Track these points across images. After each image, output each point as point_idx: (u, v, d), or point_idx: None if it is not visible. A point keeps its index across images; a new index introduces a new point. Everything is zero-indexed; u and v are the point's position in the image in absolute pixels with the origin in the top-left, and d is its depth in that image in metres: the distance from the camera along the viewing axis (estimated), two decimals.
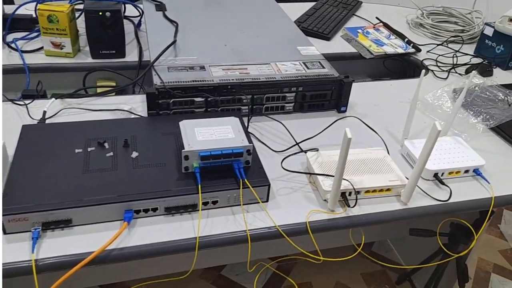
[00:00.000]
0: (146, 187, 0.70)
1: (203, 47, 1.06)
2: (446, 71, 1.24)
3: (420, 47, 1.34)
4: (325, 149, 0.87)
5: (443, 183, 0.82)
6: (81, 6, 1.20)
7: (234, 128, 0.77)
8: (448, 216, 1.11)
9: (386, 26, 1.47)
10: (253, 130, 0.93)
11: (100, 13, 1.06)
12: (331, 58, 1.24)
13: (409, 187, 0.75)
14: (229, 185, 0.72)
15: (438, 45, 1.39)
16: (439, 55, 1.32)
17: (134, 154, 0.76)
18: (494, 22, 1.29)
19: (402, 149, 0.90)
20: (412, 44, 1.35)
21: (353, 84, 0.99)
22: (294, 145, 0.89)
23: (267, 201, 0.75)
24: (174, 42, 1.05)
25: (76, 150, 0.76)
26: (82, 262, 0.62)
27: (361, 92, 1.10)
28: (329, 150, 0.84)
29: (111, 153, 0.76)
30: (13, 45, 1.15)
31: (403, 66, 1.37)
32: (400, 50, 1.32)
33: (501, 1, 1.49)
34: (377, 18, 1.53)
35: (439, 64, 1.27)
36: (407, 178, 0.77)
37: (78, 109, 0.94)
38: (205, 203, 0.72)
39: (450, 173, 0.83)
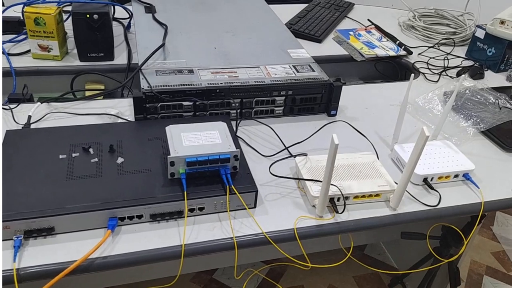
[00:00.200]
0: (131, 193, 0.68)
1: (192, 50, 1.05)
2: (437, 74, 1.24)
3: (411, 49, 1.34)
4: (315, 153, 0.87)
5: (432, 188, 0.81)
6: (69, 8, 1.19)
7: (221, 133, 0.76)
8: (438, 221, 1.11)
9: (378, 28, 1.47)
10: (242, 134, 0.92)
11: (88, 16, 1.05)
12: (322, 60, 1.24)
13: (398, 192, 0.74)
14: (216, 191, 0.71)
15: (429, 47, 1.38)
16: (431, 58, 1.31)
17: (120, 160, 0.75)
18: (486, 25, 1.29)
19: (392, 153, 0.89)
20: (403, 47, 1.34)
21: (344, 87, 0.98)
22: (283, 150, 0.88)
23: (254, 207, 0.74)
24: (162, 45, 1.04)
25: (60, 156, 0.74)
26: (64, 272, 0.60)
27: (352, 95, 1.10)
28: (318, 154, 0.84)
29: (96, 159, 0.74)
30: None
31: (395, 69, 1.37)
32: (392, 53, 1.31)
33: (493, 3, 1.49)
34: (369, 20, 1.53)
35: (430, 67, 1.27)
36: (397, 183, 0.76)
37: (65, 113, 0.93)
38: (191, 210, 0.71)
39: (439, 177, 0.83)
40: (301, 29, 1.38)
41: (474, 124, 1.00)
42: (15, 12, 1.25)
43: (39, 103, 0.93)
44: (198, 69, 0.97)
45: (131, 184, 0.70)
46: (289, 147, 0.89)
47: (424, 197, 0.80)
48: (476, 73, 1.23)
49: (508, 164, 0.91)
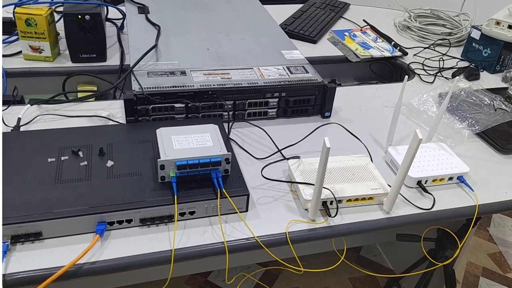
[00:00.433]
0: (120, 197, 0.67)
1: (185, 51, 1.04)
2: (433, 75, 1.23)
3: (407, 50, 1.33)
4: (308, 155, 0.86)
5: (426, 191, 0.80)
6: (61, 9, 1.18)
7: (212, 136, 0.75)
8: (432, 224, 1.10)
9: (373, 29, 1.46)
10: (235, 136, 0.91)
11: (80, 16, 1.04)
12: (317, 61, 1.23)
13: (391, 195, 0.74)
14: (206, 195, 0.70)
15: (425, 48, 1.37)
16: (426, 59, 1.31)
17: (109, 163, 0.74)
18: (481, 25, 1.28)
19: (386, 155, 0.88)
20: (398, 48, 1.34)
21: (339, 88, 0.98)
22: (276, 152, 0.87)
23: (246, 210, 0.73)
24: (155, 46, 1.03)
25: (49, 159, 0.73)
26: (51, 278, 0.59)
27: (346, 97, 1.09)
28: (311, 157, 0.83)
29: (85, 162, 0.73)
30: None
31: (390, 70, 1.36)
32: (387, 54, 1.31)
33: (489, 4, 1.49)
34: (364, 20, 1.52)
35: (425, 68, 1.26)
36: (390, 186, 0.75)
37: (55, 115, 0.91)
38: (181, 214, 0.70)
39: (433, 180, 0.82)
40: (296, 30, 1.37)
41: (469, 126, 0.99)
42: (7, 12, 1.24)
43: (29, 105, 0.92)
44: (190, 71, 0.96)
45: (121, 187, 0.69)
46: (282, 149, 0.88)
47: (418, 200, 0.79)
48: (472, 74, 1.22)
49: (503, 167, 0.90)
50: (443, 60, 1.30)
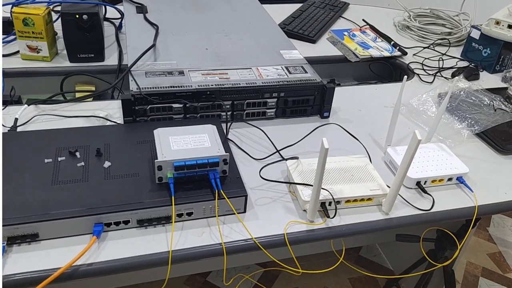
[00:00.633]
0: (118, 198, 0.67)
1: (183, 51, 1.04)
2: (432, 74, 1.22)
3: (406, 50, 1.33)
4: (307, 156, 0.85)
5: (425, 192, 0.80)
6: (59, 8, 1.17)
7: (210, 137, 0.75)
8: (431, 225, 1.10)
9: (373, 28, 1.46)
10: (233, 136, 0.90)
11: (77, 16, 1.04)
12: (316, 61, 1.23)
13: (390, 196, 0.73)
14: (204, 196, 0.70)
15: (424, 48, 1.37)
16: (425, 58, 1.30)
17: (107, 164, 0.73)
18: (481, 25, 1.27)
19: (385, 156, 0.88)
20: (398, 47, 1.33)
21: (338, 88, 0.97)
22: (275, 153, 0.87)
23: (244, 211, 0.73)
24: (153, 46, 1.02)
25: (46, 160, 0.73)
26: (48, 279, 0.59)
27: (346, 97, 1.08)
28: (310, 158, 0.82)
29: (82, 163, 0.73)
30: None
31: (389, 70, 1.35)
32: (386, 53, 1.30)
33: (488, 4, 1.48)
34: (363, 20, 1.52)
35: (425, 68, 1.26)
36: (389, 187, 0.75)
37: (52, 115, 0.91)
38: (179, 215, 0.69)
39: (433, 181, 0.81)
40: (295, 30, 1.37)
41: (468, 126, 0.98)
42: (4, 12, 1.23)
43: (26, 105, 0.91)
44: (188, 71, 0.95)
45: (118, 188, 0.69)
46: (280, 150, 0.87)
47: (417, 201, 0.79)
48: (471, 74, 1.22)
49: (502, 167, 0.90)
50: (442, 60, 1.30)
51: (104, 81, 1.08)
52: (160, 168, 0.69)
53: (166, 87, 0.88)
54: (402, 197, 0.79)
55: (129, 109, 0.86)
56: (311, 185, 0.72)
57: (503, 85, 1.22)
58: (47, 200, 0.65)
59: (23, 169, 0.71)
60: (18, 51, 1.11)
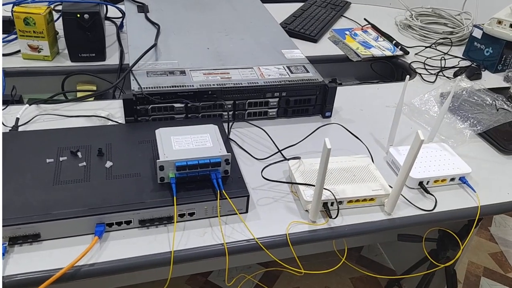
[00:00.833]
0: (119, 199, 0.67)
1: (185, 51, 1.03)
2: (434, 74, 1.22)
3: (408, 49, 1.32)
4: (309, 156, 0.85)
5: (428, 192, 0.80)
6: (60, 8, 1.17)
7: (212, 136, 0.75)
8: (434, 225, 1.09)
9: (374, 27, 1.45)
10: (235, 136, 0.90)
11: (78, 15, 1.03)
12: (318, 60, 1.22)
13: (393, 196, 0.73)
14: (206, 196, 0.69)
15: (426, 47, 1.37)
16: (427, 58, 1.30)
17: (108, 164, 0.73)
18: (483, 24, 1.27)
19: (387, 156, 0.88)
20: (400, 47, 1.33)
21: (339, 88, 0.97)
22: (277, 153, 0.86)
23: (246, 212, 0.73)
24: (154, 46, 1.02)
25: (47, 160, 0.73)
26: (50, 280, 0.59)
27: (347, 96, 1.08)
28: (312, 157, 0.82)
29: (84, 163, 0.73)
30: None
31: (391, 69, 1.35)
32: (388, 53, 1.30)
33: (490, 3, 1.48)
34: (365, 19, 1.51)
35: (427, 67, 1.25)
36: (391, 187, 0.75)
37: (54, 115, 0.91)
38: (181, 215, 0.69)
39: (435, 181, 0.81)
40: (297, 29, 1.36)
41: (471, 126, 0.98)
42: (5, 11, 1.23)
43: (27, 105, 0.91)
44: (190, 70, 0.95)
45: (120, 189, 0.69)
46: (282, 150, 0.87)
47: (419, 201, 0.78)
48: (474, 74, 1.21)
49: (505, 167, 0.89)
50: (444, 59, 1.29)
51: (106, 81, 1.08)
52: (162, 168, 0.68)
53: (167, 87, 0.88)
54: (405, 197, 0.78)
55: (130, 108, 0.85)
56: (313, 185, 0.72)
57: (505, 84, 1.21)
58: (48, 200, 0.65)
59: (24, 169, 0.71)
60: (19, 51, 1.10)
